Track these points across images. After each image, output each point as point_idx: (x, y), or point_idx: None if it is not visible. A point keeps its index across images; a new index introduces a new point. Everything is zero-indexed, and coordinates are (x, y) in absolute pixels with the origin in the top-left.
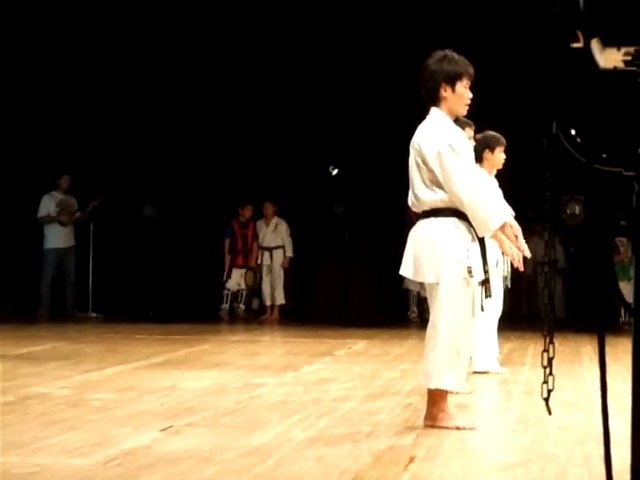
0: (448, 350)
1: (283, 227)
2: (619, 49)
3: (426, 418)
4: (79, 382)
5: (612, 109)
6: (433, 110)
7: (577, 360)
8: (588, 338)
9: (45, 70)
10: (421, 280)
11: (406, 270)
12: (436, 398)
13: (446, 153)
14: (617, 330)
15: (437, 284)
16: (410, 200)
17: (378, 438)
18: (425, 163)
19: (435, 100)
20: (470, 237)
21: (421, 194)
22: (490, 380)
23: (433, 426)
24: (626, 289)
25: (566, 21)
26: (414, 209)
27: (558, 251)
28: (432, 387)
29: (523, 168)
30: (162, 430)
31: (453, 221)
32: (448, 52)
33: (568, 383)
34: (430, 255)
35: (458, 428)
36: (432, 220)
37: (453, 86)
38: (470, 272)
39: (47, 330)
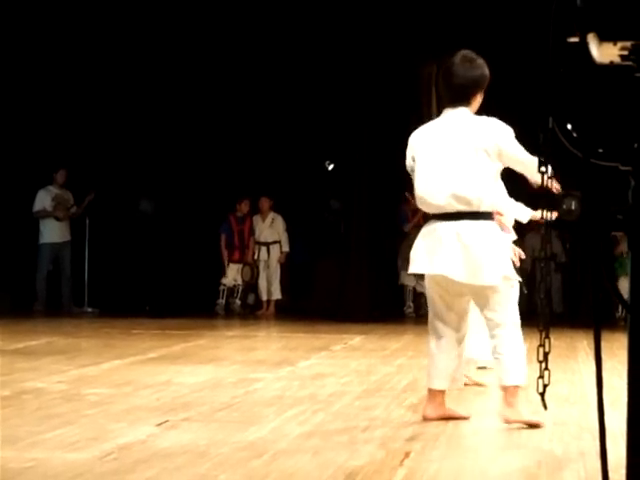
0: (521, 347)
1: (279, 222)
2: (615, 44)
3: (505, 414)
4: (75, 377)
5: (608, 104)
6: (464, 109)
7: (573, 355)
8: (584, 333)
9: (41, 65)
10: (479, 283)
11: (457, 273)
12: (514, 394)
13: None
14: (613, 325)
15: (499, 284)
16: (452, 198)
17: (374, 433)
18: (492, 156)
19: (466, 101)
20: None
21: (478, 193)
22: (485, 375)
23: (510, 421)
24: (626, 285)
25: (562, 15)
26: (448, 208)
27: (555, 246)
28: (517, 384)
29: None
30: (158, 425)
31: (494, 223)
32: (475, 55)
33: (564, 378)
34: (493, 257)
35: (529, 424)
36: (483, 222)
37: (483, 92)
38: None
39: (43, 325)
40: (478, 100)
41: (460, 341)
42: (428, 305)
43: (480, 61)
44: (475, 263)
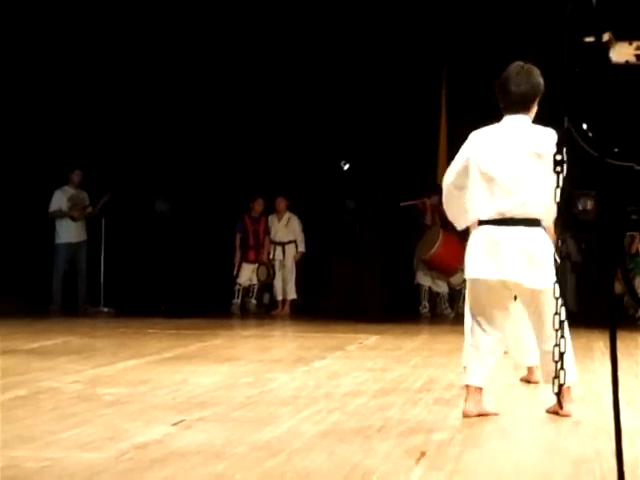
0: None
1: (295, 222)
2: (631, 43)
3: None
4: (91, 376)
5: (624, 103)
6: (525, 117)
7: (589, 355)
8: (600, 333)
9: (58, 65)
10: (540, 287)
11: (523, 278)
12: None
13: None
14: (630, 325)
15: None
16: (516, 204)
17: (389, 433)
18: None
19: (527, 109)
20: None
21: (538, 200)
22: (500, 375)
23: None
24: None
25: (578, 16)
26: (512, 214)
27: (570, 245)
28: (573, 383)
29: None
30: (174, 424)
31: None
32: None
33: (580, 378)
34: (550, 263)
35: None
36: (539, 229)
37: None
38: None
39: (59, 324)
40: (535, 108)
41: (503, 341)
42: (473, 305)
43: (537, 71)
44: (536, 268)
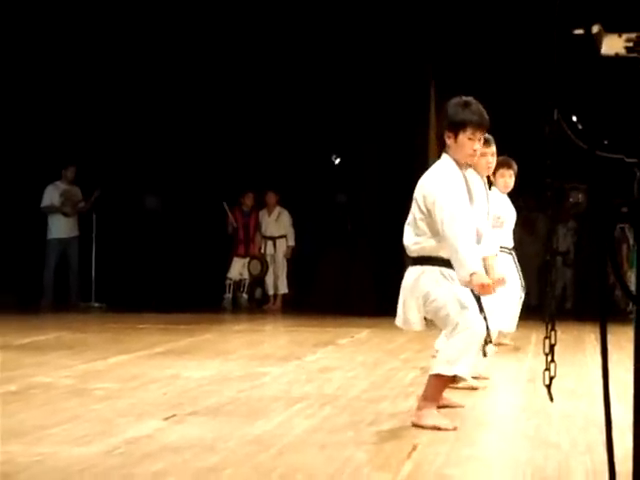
0: None
1: (285, 216)
2: (620, 35)
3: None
4: (82, 371)
5: (614, 96)
6: (443, 156)
7: (580, 349)
8: (592, 327)
9: (50, 62)
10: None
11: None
12: None
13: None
14: (621, 319)
15: None
16: None
17: (381, 426)
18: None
19: (444, 145)
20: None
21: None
22: (492, 368)
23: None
24: None
25: (567, 7)
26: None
27: (569, 241)
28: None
29: (524, 155)
30: (165, 419)
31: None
32: (465, 98)
33: (571, 371)
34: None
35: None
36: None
37: (456, 135)
38: None
39: (50, 320)
40: (451, 145)
41: None
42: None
43: (451, 102)
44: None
